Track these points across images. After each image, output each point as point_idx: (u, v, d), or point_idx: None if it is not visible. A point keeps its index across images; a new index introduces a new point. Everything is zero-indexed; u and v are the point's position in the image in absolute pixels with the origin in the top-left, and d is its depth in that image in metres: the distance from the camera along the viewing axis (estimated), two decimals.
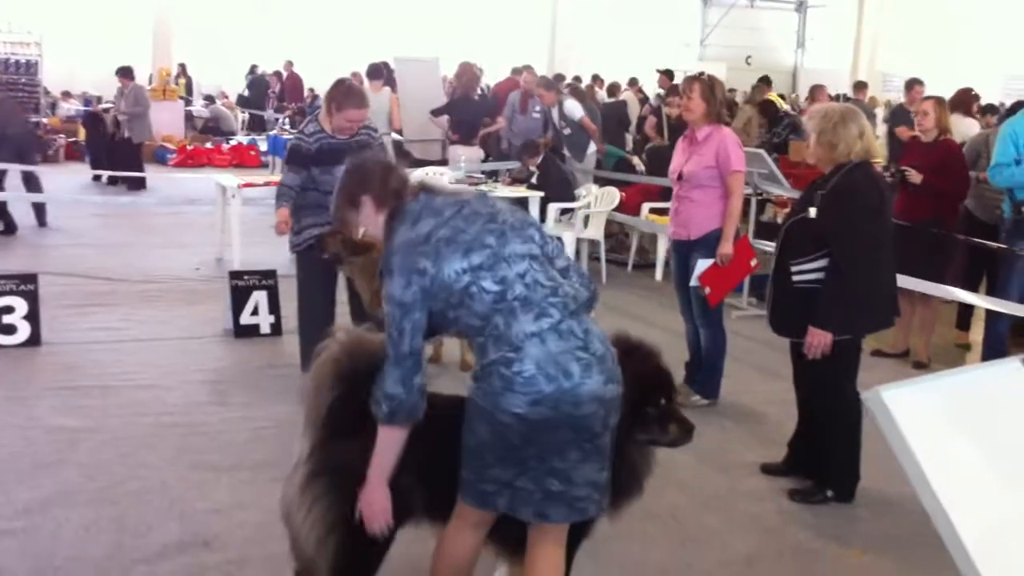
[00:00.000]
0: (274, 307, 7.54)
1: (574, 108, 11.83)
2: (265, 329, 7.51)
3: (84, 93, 21.19)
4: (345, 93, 6.23)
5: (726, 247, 6.13)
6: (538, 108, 12.13)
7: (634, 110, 15.42)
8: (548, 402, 2.84)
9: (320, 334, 6.19)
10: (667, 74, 16.12)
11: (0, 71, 18.16)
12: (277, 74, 23.62)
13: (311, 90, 21.86)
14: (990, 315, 7.14)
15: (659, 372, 3.37)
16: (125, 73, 15.04)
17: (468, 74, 12.83)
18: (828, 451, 4.96)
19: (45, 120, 18.21)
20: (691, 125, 6.32)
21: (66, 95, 20.61)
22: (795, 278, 4.74)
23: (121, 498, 4.64)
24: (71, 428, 5.50)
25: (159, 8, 20.69)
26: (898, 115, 11.90)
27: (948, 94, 10.45)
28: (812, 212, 4.72)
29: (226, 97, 23.34)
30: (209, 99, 22.57)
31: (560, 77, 15.37)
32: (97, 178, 15.24)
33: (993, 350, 7.14)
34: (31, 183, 11.89)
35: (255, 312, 7.53)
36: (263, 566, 3.98)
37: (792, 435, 5.28)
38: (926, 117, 7.34)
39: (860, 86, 15.25)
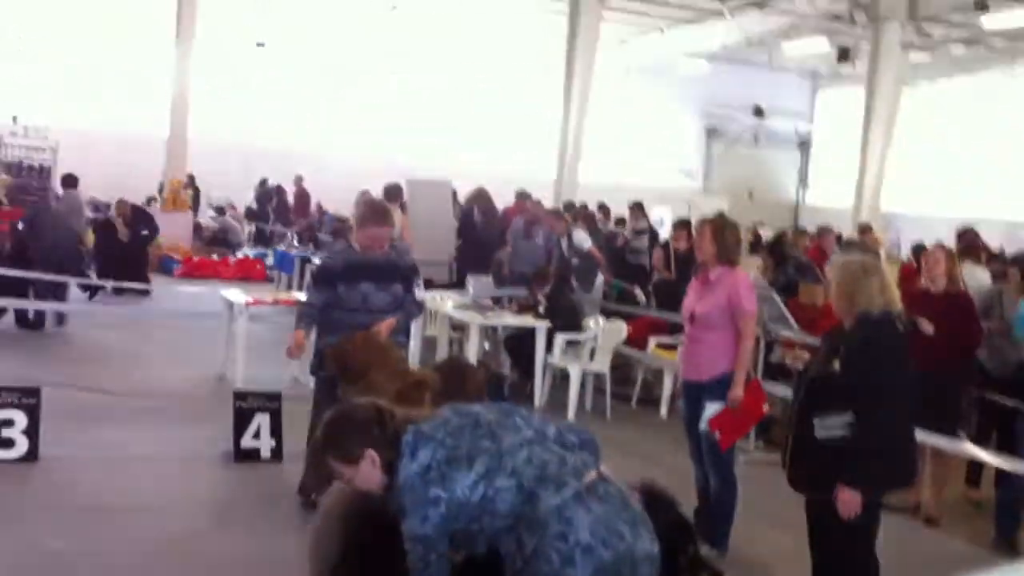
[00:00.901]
0: (276, 431, 7.41)
1: (583, 239, 11.91)
2: (266, 453, 7.37)
3: (93, 199, 21.26)
4: (367, 211, 6.36)
5: (737, 391, 6.08)
6: (541, 235, 12.20)
7: (642, 241, 15.50)
8: (610, 569, 2.81)
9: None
10: (638, 206, 16.18)
11: (14, 174, 18.32)
12: (279, 188, 23.73)
13: (319, 205, 22.07)
14: (1001, 472, 7.03)
15: (684, 520, 3.35)
16: (65, 181, 14.83)
17: (485, 199, 12.96)
18: None
19: None
20: (703, 266, 6.35)
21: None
22: (819, 433, 4.64)
23: None
24: (67, 553, 5.35)
25: (174, 117, 21.01)
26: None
27: (950, 237, 10.50)
28: (836, 365, 4.67)
29: (234, 209, 23.54)
30: (219, 211, 22.74)
31: (571, 205, 15.52)
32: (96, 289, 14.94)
33: (1006, 509, 7.02)
34: (58, 291, 11.99)
35: (256, 435, 7.41)
36: None
37: None
38: (937, 265, 7.35)
39: (866, 228, 15.39)
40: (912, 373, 4.88)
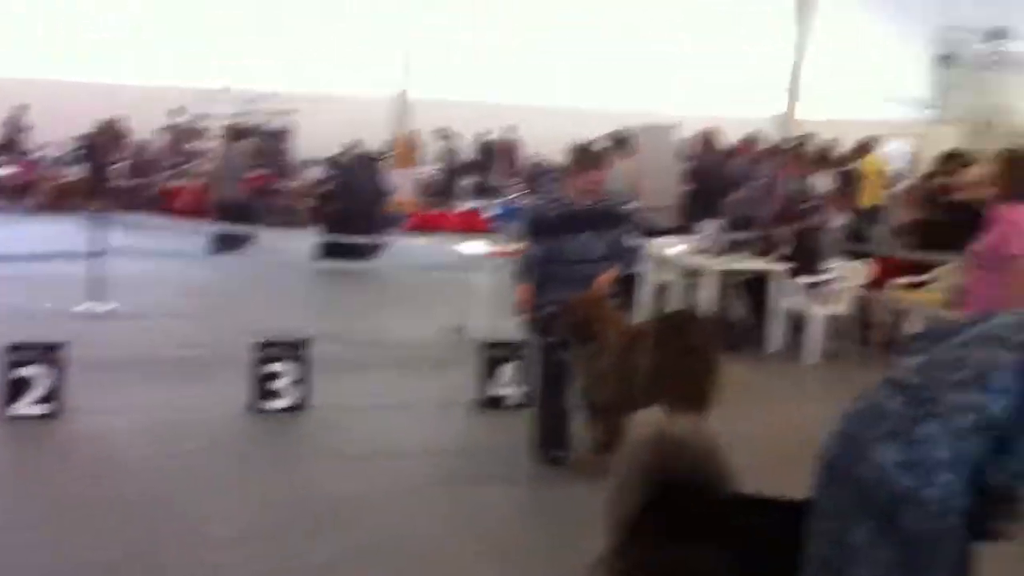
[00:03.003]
0: (522, 379, 7.56)
1: (819, 185, 11.36)
2: (513, 401, 7.55)
3: (325, 159, 22.18)
4: (583, 156, 6.19)
5: None
6: (766, 176, 11.83)
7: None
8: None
9: (554, 417, 6.22)
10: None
11: (257, 139, 19.31)
12: (499, 141, 24.00)
13: (535, 156, 22.22)
14: None
15: None
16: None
17: (713, 142, 12.72)
18: None
19: (293, 184, 19.27)
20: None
21: (306, 162, 21.69)
22: None
23: (399, 565, 4.76)
24: (339, 496, 5.67)
25: (401, 80, 21.76)
26: None
27: None
28: None
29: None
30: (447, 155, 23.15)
31: (804, 139, 14.82)
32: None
33: None
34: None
35: (503, 384, 7.60)
36: None
37: None
38: None
39: None
40: None
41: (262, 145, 18.68)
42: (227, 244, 14.36)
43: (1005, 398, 2.72)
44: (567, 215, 6.11)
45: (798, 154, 11.45)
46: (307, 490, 5.76)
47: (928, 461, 2.66)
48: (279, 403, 7.19)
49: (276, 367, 7.22)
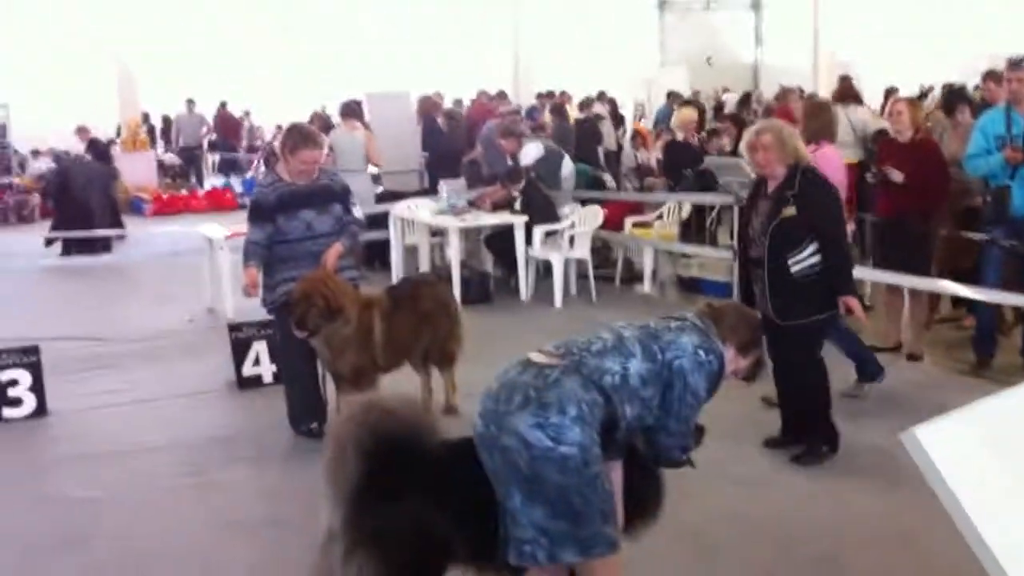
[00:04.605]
0: (275, 357, 7.55)
1: (528, 154, 11.60)
2: (268, 379, 7.53)
3: (51, 150, 21.03)
4: (297, 136, 6.27)
5: None
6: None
7: (607, 124, 15.50)
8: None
9: (305, 391, 6.31)
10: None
11: None
12: (240, 118, 23.50)
13: (279, 127, 21.87)
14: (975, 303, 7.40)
15: None
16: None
17: (428, 106, 12.94)
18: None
19: (17, 180, 18.17)
20: None
21: (36, 153, 20.52)
22: (794, 269, 5.30)
23: (155, 566, 4.68)
24: (90, 499, 5.52)
25: (122, 60, 20.75)
26: None
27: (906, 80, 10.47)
28: (790, 211, 5.28)
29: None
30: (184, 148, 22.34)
31: (533, 111, 15.21)
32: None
33: (982, 335, 7.35)
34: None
35: (256, 363, 7.57)
36: None
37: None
38: (900, 117, 7.50)
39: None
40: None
41: None
42: None
43: (638, 365, 3.13)
44: (286, 196, 6.19)
45: (511, 132, 11.64)
46: (52, 497, 5.56)
47: (560, 420, 2.99)
48: (15, 412, 6.89)
49: (9, 375, 6.91)
